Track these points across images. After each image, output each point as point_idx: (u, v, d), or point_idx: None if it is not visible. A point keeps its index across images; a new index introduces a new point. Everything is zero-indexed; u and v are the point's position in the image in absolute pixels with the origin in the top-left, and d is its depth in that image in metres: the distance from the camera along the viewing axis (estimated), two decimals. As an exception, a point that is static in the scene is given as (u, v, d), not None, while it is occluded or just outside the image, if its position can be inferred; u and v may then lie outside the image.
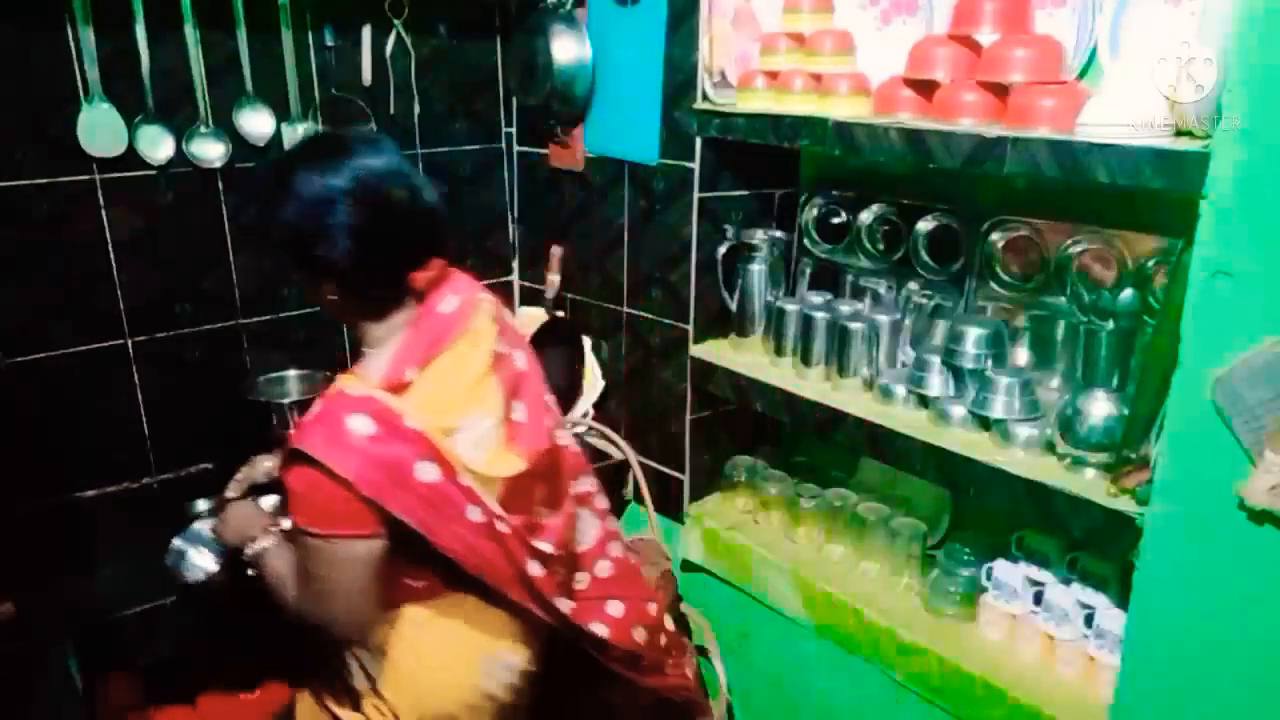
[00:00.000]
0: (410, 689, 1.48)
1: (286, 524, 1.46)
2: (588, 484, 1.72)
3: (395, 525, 1.34)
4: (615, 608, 1.66)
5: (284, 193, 1.33)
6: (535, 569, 1.49)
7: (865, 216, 1.93)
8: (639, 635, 1.68)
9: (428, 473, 1.32)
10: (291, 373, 2.18)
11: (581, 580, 1.66)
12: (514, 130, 2.52)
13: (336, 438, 1.27)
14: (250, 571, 1.52)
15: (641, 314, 2.25)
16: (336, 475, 1.27)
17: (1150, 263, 1.57)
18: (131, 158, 1.95)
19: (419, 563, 1.42)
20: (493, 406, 1.46)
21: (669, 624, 1.86)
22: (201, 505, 1.86)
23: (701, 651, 2.19)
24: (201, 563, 1.60)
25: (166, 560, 1.62)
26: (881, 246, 1.95)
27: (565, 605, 1.56)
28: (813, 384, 1.89)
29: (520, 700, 1.60)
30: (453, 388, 1.40)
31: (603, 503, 1.75)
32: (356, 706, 1.51)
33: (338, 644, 1.49)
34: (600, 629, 1.61)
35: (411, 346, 1.38)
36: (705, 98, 1.97)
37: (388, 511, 1.31)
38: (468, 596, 1.48)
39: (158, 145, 1.97)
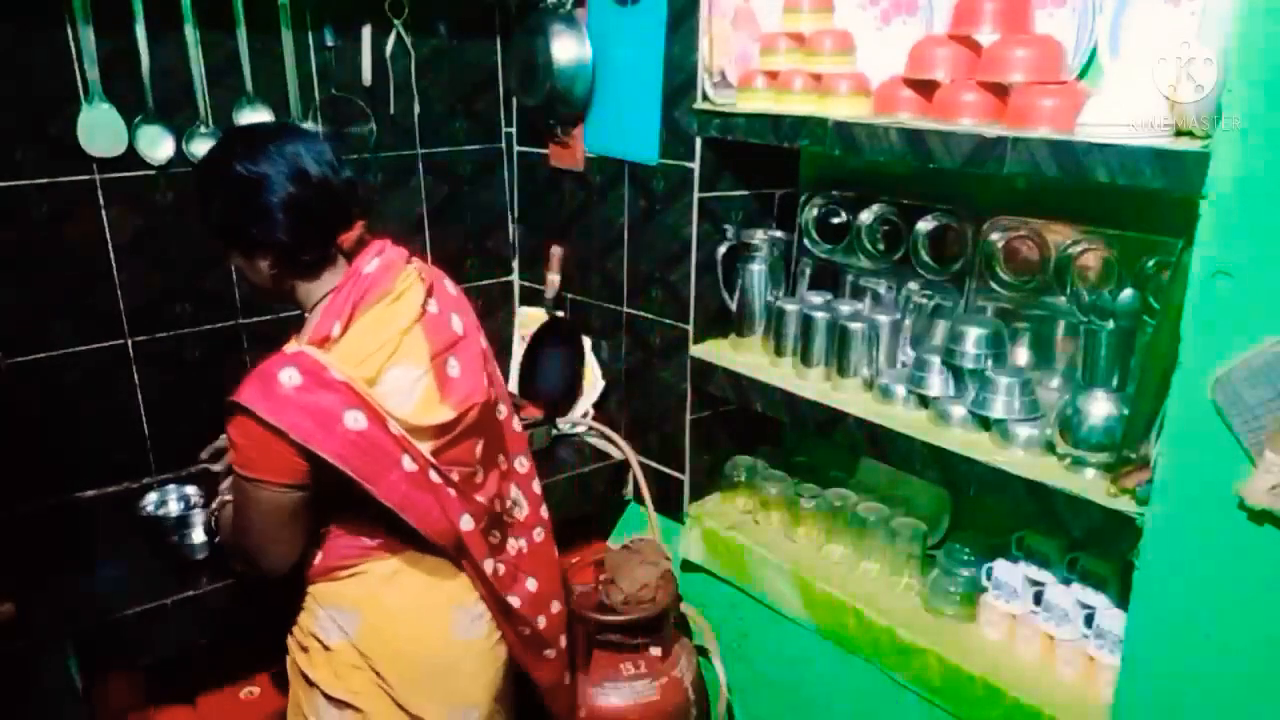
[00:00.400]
0: (386, 642, 1.57)
1: None
2: (525, 463, 1.83)
3: (337, 479, 1.42)
4: (530, 583, 1.75)
5: (219, 184, 1.46)
6: (466, 523, 1.55)
7: (865, 216, 1.93)
8: (542, 621, 1.76)
9: (356, 421, 1.41)
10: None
11: (511, 546, 1.74)
12: (514, 130, 2.52)
13: (268, 390, 1.38)
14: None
15: (641, 314, 2.25)
16: (269, 424, 1.37)
17: (1150, 263, 1.57)
18: (131, 158, 1.95)
19: (370, 522, 1.52)
20: (418, 359, 1.52)
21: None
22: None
23: (701, 651, 2.19)
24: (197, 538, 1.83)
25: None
26: (881, 246, 1.95)
27: (489, 566, 1.62)
28: (813, 384, 1.89)
29: (501, 643, 1.69)
30: (374, 341, 1.48)
31: (537, 487, 1.85)
32: (332, 665, 1.57)
33: (308, 610, 1.58)
34: (513, 599, 1.69)
35: (336, 305, 1.47)
36: (705, 98, 1.97)
37: (324, 460, 1.40)
38: (425, 554, 1.57)
39: (158, 145, 1.97)
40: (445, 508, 1.52)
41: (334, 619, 1.56)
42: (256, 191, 1.43)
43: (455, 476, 1.55)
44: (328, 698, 1.58)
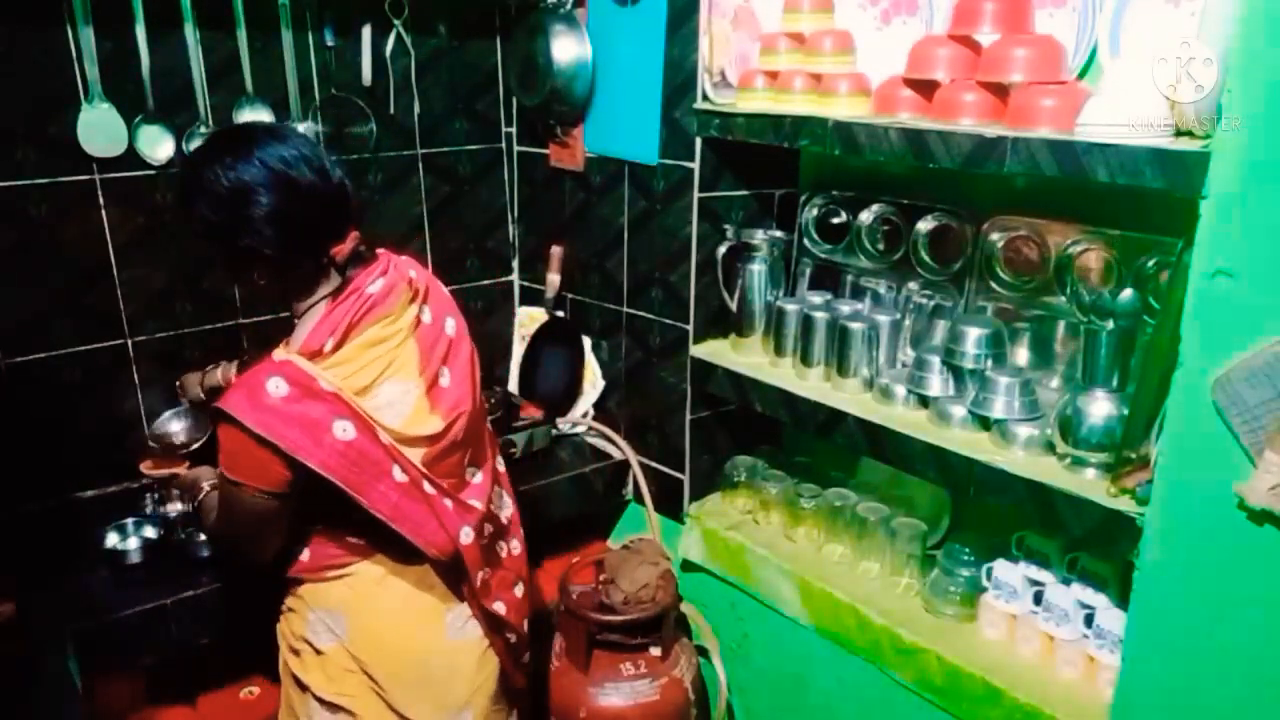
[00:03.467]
0: (379, 644, 1.56)
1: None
2: (502, 464, 1.79)
3: (327, 485, 1.41)
4: (518, 589, 1.74)
5: (201, 191, 1.39)
6: (466, 536, 1.55)
7: (865, 216, 1.93)
8: (525, 627, 1.75)
9: (345, 431, 1.40)
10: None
11: (502, 549, 1.72)
12: (514, 130, 2.52)
13: (256, 399, 1.37)
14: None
15: (641, 314, 2.25)
16: (256, 434, 1.36)
17: (1150, 263, 1.57)
18: (131, 158, 1.95)
19: (358, 527, 1.51)
20: (409, 372, 1.51)
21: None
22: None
23: (701, 651, 2.19)
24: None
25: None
26: (881, 246, 1.95)
27: (479, 576, 1.60)
28: (813, 384, 1.89)
29: (492, 648, 1.67)
30: (369, 357, 1.46)
31: (509, 491, 1.80)
32: (324, 669, 1.57)
33: (298, 613, 1.58)
34: (499, 605, 1.66)
35: (333, 320, 1.44)
36: (705, 98, 1.97)
37: (311, 469, 1.38)
38: (413, 561, 1.55)
39: (158, 145, 1.97)
40: (443, 521, 1.51)
41: (324, 622, 1.56)
42: (242, 204, 1.36)
43: (447, 484, 1.53)
44: (320, 700, 1.58)
